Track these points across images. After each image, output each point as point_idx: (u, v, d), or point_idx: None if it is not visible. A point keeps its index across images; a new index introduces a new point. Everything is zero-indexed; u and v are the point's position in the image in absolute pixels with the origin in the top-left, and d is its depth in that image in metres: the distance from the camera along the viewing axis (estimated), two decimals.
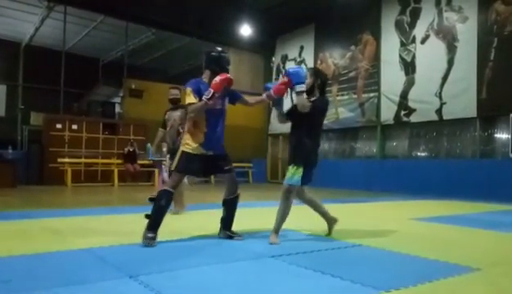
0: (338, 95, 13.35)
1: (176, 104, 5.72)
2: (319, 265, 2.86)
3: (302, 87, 3.61)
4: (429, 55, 10.79)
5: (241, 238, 3.86)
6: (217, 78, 3.52)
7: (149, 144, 6.66)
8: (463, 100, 9.95)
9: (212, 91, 3.48)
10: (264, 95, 3.87)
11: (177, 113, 5.62)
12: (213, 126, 3.70)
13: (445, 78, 10.36)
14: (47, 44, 15.81)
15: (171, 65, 18.86)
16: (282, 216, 3.72)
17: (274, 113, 14.27)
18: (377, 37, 12.20)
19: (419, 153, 11.40)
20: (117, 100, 15.40)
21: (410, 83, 11.24)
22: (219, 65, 3.73)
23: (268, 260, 3.05)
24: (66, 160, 11.77)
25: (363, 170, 12.21)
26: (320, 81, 3.83)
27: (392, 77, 11.68)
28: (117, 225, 4.63)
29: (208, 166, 3.75)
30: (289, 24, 14.64)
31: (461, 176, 9.55)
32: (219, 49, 3.90)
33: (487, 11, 9.65)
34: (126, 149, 12.11)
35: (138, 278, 2.48)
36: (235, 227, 3.96)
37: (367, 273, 2.75)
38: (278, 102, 3.91)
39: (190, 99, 3.59)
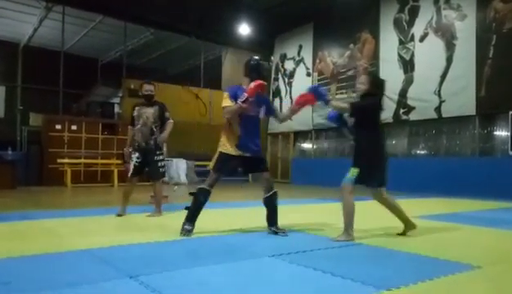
0: (337, 94, 13.34)
1: (150, 100, 5.39)
2: (319, 264, 2.85)
3: (329, 97, 3.92)
4: (428, 53, 10.78)
5: (285, 234, 4.00)
6: (252, 84, 3.80)
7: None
8: (462, 98, 9.95)
9: (246, 95, 3.76)
10: (290, 108, 4.21)
11: (150, 111, 5.33)
12: (247, 130, 3.98)
13: (444, 76, 10.36)
14: (46, 44, 15.79)
15: (170, 65, 18.85)
16: (344, 214, 3.84)
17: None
18: (376, 35, 12.19)
19: (418, 151, 11.40)
20: (116, 100, 15.40)
21: (408, 81, 11.24)
22: (258, 73, 3.99)
23: (268, 259, 3.05)
24: (66, 161, 11.76)
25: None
26: (376, 87, 3.96)
27: (390, 76, 11.62)
28: (117, 226, 4.62)
29: (244, 166, 4.09)
30: (288, 24, 14.63)
31: (461, 174, 9.55)
32: (257, 58, 4.23)
33: (486, 9, 9.65)
34: (125, 150, 12.09)
35: (138, 278, 2.47)
36: (225, 225, 3.97)
37: (368, 271, 2.75)
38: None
39: (226, 102, 3.92)
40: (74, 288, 2.30)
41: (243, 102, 3.76)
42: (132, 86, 13.68)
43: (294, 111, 4.15)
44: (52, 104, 13.74)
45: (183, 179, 13.20)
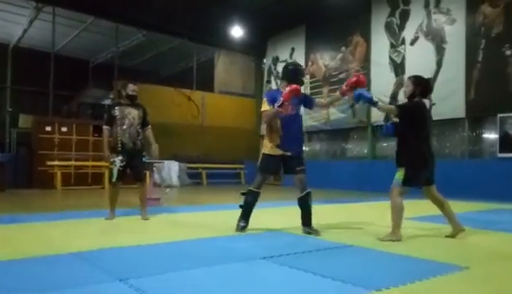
0: (329, 97, 13.38)
1: (134, 100, 5.21)
2: (310, 266, 2.86)
3: (374, 98, 4.06)
4: (418, 56, 10.88)
5: (318, 234, 4.11)
6: (287, 89, 4.00)
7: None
8: (452, 101, 10.05)
9: (282, 99, 3.95)
10: (338, 93, 4.35)
11: (135, 112, 5.15)
12: (287, 129, 4.15)
13: (434, 80, 10.45)
14: (36, 46, 15.66)
15: (162, 67, 18.81)
16: (392, 214, 3.97)
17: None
18: (367, 38, 12.28)
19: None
20: (107, 102, 15.32)
21: (399, 84, 11.31)
22: (295, 77, 4.24)
23: (260, 261, 3.06)
24: (56, 163, 11.66)
25: (354, 170, 12.26)
26: (420, 87, 4.06)
27: (382, 79, 11.76)
28: (107, 228, 4.59)
29: (285, 165, 4.23)
30: (280, 26, 14.68)
31: (450, 176, 9.60)
32: (295, 63, 4.52)
33: (475, 14, 9.76)
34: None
35: (128, 281, 2.46)
36: (218, 227, 3.96)
37: (358, 273, 2.77)
38: (358, 98, 4.11)
39: (265, 106, 4.17)
40: (63, 291, 2.28)
41: (279, 106, 3.97)
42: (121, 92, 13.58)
43: (341, 95, 4.33)
44: (42, 105, 13.64)
45: (175, 181, 13.19)
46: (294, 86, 4.03)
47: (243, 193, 4.33)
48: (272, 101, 4.09)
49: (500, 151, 9.19)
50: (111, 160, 5.09)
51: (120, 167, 5.07)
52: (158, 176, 12.51)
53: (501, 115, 9.15)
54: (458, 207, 7.36)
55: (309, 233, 4.16)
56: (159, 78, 17.79)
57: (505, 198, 8.46)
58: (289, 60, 15.02)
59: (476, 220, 5.61)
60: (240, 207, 4.33)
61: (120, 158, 5.06)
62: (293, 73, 4.29)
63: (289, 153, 4.16)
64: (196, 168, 14.44)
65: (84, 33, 15.08)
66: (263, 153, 4.25)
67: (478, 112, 9.73)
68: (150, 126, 5.38)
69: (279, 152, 4.17)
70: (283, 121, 4.16)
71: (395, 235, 3.91)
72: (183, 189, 12.11)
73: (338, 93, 4.36)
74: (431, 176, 4.11)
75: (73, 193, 10.06)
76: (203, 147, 14.68)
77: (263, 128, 4.22)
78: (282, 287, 2.46)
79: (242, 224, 4.26)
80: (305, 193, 4.20)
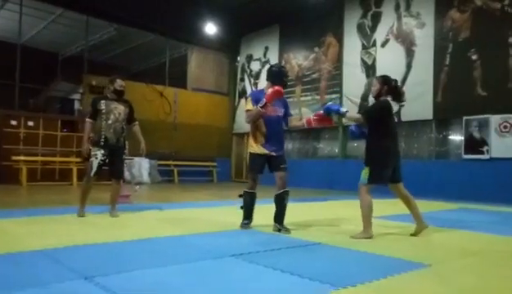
0: (301, 96, 13.53)
1: (121, 96, 5.18)
2: (279, 264, 2.89)
3: (342, 109, 4.23)
4: (389, 58, 11.12)
5: (288, 232, 4.20)
6: (269, 90, 4.16)
7: None
8: (420, 103, 10.32)
9: (264, 100, 4.12)
10: (304, 121, 4.54)
11: (121, 107, 5.11)
12: (271, 130, 4.32)
13: (403, 81, 10.70)
14: (2, 36, 15.05)
15: (134, 62, 18.48)
16: (362, 212, 4.08)
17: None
18: (339, 39, 12.45)
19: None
20: (76, 96, 14.93)
21: (370, 85, 11.52)
22: (279, 78, 4.37)
23: (228, 259, 3.06)
24: (21, 158, 11.27)
25: (326, 169, 12.43)
26: (387, 87, 4.17)
27: (353, 80, 11.95)
28: (73, 226, 4.47)
29: (270, 164, 4.37)
30: (255, 24, 14.69)
31: (418, 176, 9.88)
32: (279, 65, 4.72)
33: (444, 18, 10.06)
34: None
35: (94, 279, 2.41)
36: (187, 225, 3.94)
37: (325, 270, 2.81)
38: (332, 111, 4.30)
39: (249, 106, 4.32)
40: (26, 290, 2.22)
41: (262, 107, 4.14)
42: (94, 83, 13.31)
43: (306, 124, 4.52)
44: (8, 98, 13.13)
45: (146, 178, 12.97)
46: (277, 88, 4.16)
47: (240, 195, 4.51)
48: (256, 101, 4.22)
49: (465, 153, 9.51)
50: (93, 153, 4.96)
51: (101, 160, 4.96)
52: (128, 173, 12.28)
53: (466, 118, 9.47)
54: (425, 206, 7.57)
55: (279, 230, 4.24)
56: (130, 74, 17.46)
57: (469, 198, 8.78)
58: (263, 59, 15.09)
59: (441, 218, 5.79)
60: (241, 208, 4.48)
61: (102, 152, 4.95)
62: (277, 75, 4.41)
63: (273, 153, 4.33)
64: (168, 165, 14.28)
65: (53, 24, 14.63)
66: (250, 153, 4.41)
67: (445, 114, 10.03)
68: (137, 123, 5.31)
69: (264, 151, 4.32)
70: (267, 121, 4.31)
71: (366, 233, 4.03)
72: (154, 187, 11.94)
73: (304, 122, 4.55)
74: (397, 174, 4.19)
75: (39, 190, 9.76)
76: (175, 144, 14.53)
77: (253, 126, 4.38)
78: (250, 285, 2.46)
79: (246, 221, 4.44)
80: (283, 191, 4.33)
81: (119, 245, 3.48)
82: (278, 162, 4.35)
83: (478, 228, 5.01)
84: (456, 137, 10.13)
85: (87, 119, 5.07)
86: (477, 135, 9.34)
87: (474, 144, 9.34)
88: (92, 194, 5.24)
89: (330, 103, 4.37)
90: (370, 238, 3.99)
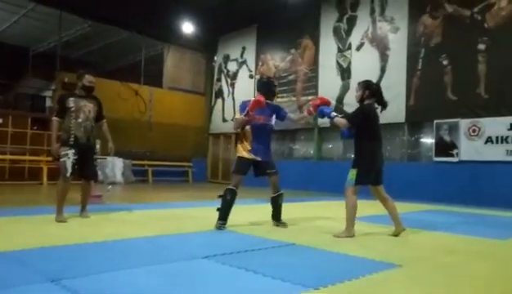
0: (278, 97, 13.50)
1: (91, 93, 4.94)
2: (251, 265, 2.88)
3: (332, 113, 4.45)
4: (364, 61, 11.29)
5: (285, 226, 4.69)
6: (251, 100, 4.46)
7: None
8: (393, 106, 10.45)
9: (247, 110, 4.44)
10: (305, 112, 4.81)
11: (91, 105, 4.87)
12: (258, 137, 4.62)
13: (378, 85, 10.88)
14: None
15: (108, 60, 18.13)
16: (347, 211, 4.20)
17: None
18: (316, 42, 12.56)
19: (353, 155, 11.88)
20: (48, 93, 14.54)
21: (345, 88, 11.69)
22: (268, 88, 4.73)
23: (201, 261, 3.03)
24: None
25: (301, 170, 12.50)
26: (369, 92, 4.30)
27: (329, 82, 12.08)
28: (41, 227, 4.34)
29: (256, 168, 4.68)
30: (232, 25, 14.65)
31: (391, 178, 9.95)
32: (268, 77, 5.06)
33: (416, 23, 10.28)
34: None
35: (61, 281, 2.35)
36: (160, 226, 3.88)
37: (298, 271, 2.82)
38: (322, 114, 4.59)
39: (237, 115, 4.65)
40: None
41: (245, 115, 4.48)
42: (67, 80, 12.99)
43: (305, 116, 4.99)
44: None
45: (119, 178, 12.77)
46: (257, 98, 4.46)
47: (220, 196, 4.59)
48: (243, 111, 4.55)
49: (436, 155, 9.75)
50: (64, 152, 4.68)
51: (74, 159, 4.70)
52: (101, 173, 12.06)
53: (437, 121, 9.71)
54: (397, 207, 7.73)
55: (278, 225, 4.71)
56: (104, 71, 17.11)
57: (440, 199, 9.01)
58: (240, 59, 15.08)
59: (412, 220, 5.89)
60: (218, 210, 4.54)
61: (73, 151, 4.70)
62: (265, 85, 4.77)
63: (259, 158, 4.60)
64: (142, 165, 14.09)
65: (24, 19, 14.19)
66: (237, 156, 4.65)
67: (417, 117, 10.26)
68: (105, 120, 5.10)
69: (250, 156, 4.59)
70: (254, 129, 4.61)
71: (348, 232, 4.16)
72: (127, 187, 11.77)
73: (305, 113, 4.88)
74: (379, 176, 4.33)
75: (7, 189, 9.46)
76: (150, 144, 14.34)
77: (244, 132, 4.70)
78: (221, 286, 2.45)
79: (221, 222, 4.48)
80: (277, 194, 4.74)
81: (89, 246, 3.40)
82: (264, 167, 4.64)
83: (448, 229, 5.14)
84: (428, 140, 10.37)
85: (54, 118, 4.83)
86: (447, 138, 9.59)
87: (445, 147, 9.59)
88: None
89: (323, 107, 4.60)
90: (352, 236, 4.14)
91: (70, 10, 13.22)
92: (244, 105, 4.63)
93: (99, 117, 5.03)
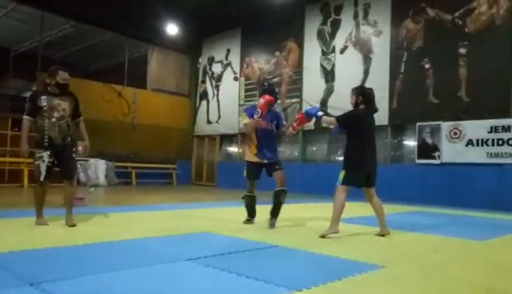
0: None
1: (65, 90, 4.62)
2: (235, 267, 2.87)
3: (319, 113, 4.61)
4: (347, 64, 11.39)
5: (272, 227, 4.78)
6: (261, 100, 4.73)
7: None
8: None
9: (259, 111, 4.72)
10: (290, 129, 5.00)
11: (65, 102, 4.56)
12: (263, 140, 4.87)
13: None
14: None
15: (91, 61, 17.95)
16: (334, 208, 4.30)
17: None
18: (300, 44, 12.63)
19: (337, 158, 11.96)
20: (29, 94, 14.29)
21: (329, 91, 11.77)
22: (271, 92, 4.95)
23: (184, 263, 3.01)
24: None
25: (286, 173, 12.50)
26: (362, 98, 4.41)
27: (313, 85, 12.15)
28: (21, 230, 4.24)
29: (267, 170, 4.92)
30: (217, 27, 14.63)
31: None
32: (270, 81, 5.13)
33: (399, 27, 10.43)
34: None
35: (40, 285, 2.30)
36: (142, 228, 3.84)
37: (281, 273, 2.82)
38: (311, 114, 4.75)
39: (245, 120, 4.91)
40: None
41: (258, 117, 4.73)
42: (48, 81, 12.78)
43: (292, 132, 5.07)
44: None
45: (102, 180, 12.62)
46: (267, 97, 4.73)
47: (243, 198, 5.13)
48: (251, 115, 4.81)
49: (419, 157, 9.89)
50: (38, 155, 4.43)
51: (49, 162, 4.44)
52: (83, 175, 11.91)
53: (420, 124, 9.86)
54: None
55: (273, 225, 4.82)
56: (87, 72, 16.95)
57: (422, 201, 9.14)
58: (225, 61, 15.06)
59: (395, 221, 5.96)
60: (246, 207, 5.12)
61: (48, 153, 4.43)
62: (269, 89, 5.03)
63: (265, 161, 4.87)
64: (126, 167, 13.94)
65: (5, 19, 13.95)
66: (246, 161, 4.99)
67: (400, 120, 10.39)
68: (82, 118, 4.82)
69: (256, 159, 4.89)
70: (259, 134, 4.88)
71: (333, 228, 4.25)
72: (111, 189, 11.63)
73: (290, 130, 5.02)
74: (370, 179, 4.43)
75: None
76: (133, 145, 14.20)
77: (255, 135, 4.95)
78: (204, 289, 2.43)
79: (248, 218, 5.11)
80: (280, 189, 4.83)
81: (70, 249, 3.35)
82: (272, 166, 4.89)
83: (430, 230, 5.22)
84: (410, 142, 10.51)
85: (25, 116, 4.47)
86: (429, 140, 9.74)
87: (427, 150, 9.73)
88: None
89: (308, 107, 4.88)
90: (336, 232, 4.25)
91: (52, 10, 13.02)
92: (250, 110, 4.94)
93: (75, 114, 4.72)
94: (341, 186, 4.32)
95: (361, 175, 4.36)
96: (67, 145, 4.60)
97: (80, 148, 4.90)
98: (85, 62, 17.86)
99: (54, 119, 4.46)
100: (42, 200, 4.55)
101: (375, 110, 4.54)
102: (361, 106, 4.43)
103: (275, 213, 4.87)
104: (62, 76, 4.55)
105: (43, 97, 4.49)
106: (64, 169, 4.62)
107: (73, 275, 2.55)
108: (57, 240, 3.67)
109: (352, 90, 4.56)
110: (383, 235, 4.46)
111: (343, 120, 4.45)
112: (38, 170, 4.43)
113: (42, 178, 4.45)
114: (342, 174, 4.34)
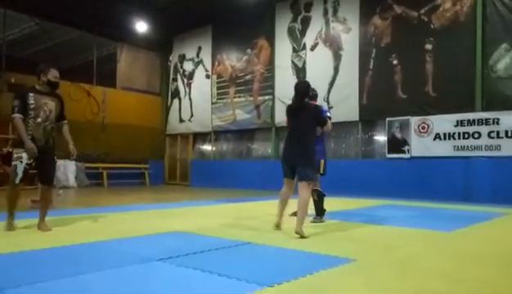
0: (235, 97, 13.57)
1: (55, 89, 4.49)
2: (207, 265, 2.86)
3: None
4: (318, 61, 11.50)
5: (321, 221, 5.09)
6: (325, 107, 5.12)
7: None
8: (347, 105, 10.79)
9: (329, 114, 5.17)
10: None
11: (53, 103, 4.41)
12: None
13: (332, 84, 11.14)
14: None
15: (59, 59, 17.35)
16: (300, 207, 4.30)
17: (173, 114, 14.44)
18: (271, 42, 12.66)
19: None
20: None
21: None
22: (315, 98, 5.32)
23: (155, 263, 2.97)
24: None
25: (259, 170, 12.56)
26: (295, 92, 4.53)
27: (285, 82, 12.18)
28: None
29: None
30: (187, 24, 14.46)
31: (346, 175, 10.33)
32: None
33: (368, 24, 10.60)
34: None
35: (4, 292, 2.22)
36: (112, 229, 3.77)
37: (253, 270, 2.83)
38: None
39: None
40: None
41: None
42: (13, 81, 12.36)
43: None
44: None
45: (72, 182, 12.32)
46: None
47: (318, 196, 5.18)
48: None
49: (389, 152, 10.10)
50: (17, 155, 4.21)
51: (27, 164, 4.23)
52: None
53: (389, 119, 10.06)
54: (351, 203, 7.94)
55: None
56: None
57: (393, 194, 9.34)
58: (196, 59, 14.94)
59: (366, 215, 6.08)
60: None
61: (26, 156, 4.21)
62: (315, 96, 5.49)
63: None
64: (96, 168, 13.65)
65: None
66: (324, 159, 5.22)
67: (370, 116, 10.58)
68: (66, 122, 4.64)
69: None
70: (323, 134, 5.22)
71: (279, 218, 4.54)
72: (81, 191, 11.38)
73: None
74: (292, 171, 4.42)
75: None
76: (104, 146, 13.90)
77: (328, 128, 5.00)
78: (177, 288, 2.41)
79: (320, 216, 5.25)
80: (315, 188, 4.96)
81: (37, 253, 3.25)
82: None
83: (400, 222, 5.34)
84: (380, 137, 10.71)
85: (17, 114, 4.19)
86: (398, 135, 9.96)
87: (397, 144, 9.95)
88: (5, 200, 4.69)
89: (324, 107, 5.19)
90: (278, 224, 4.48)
91: (15, 7, 12.57)
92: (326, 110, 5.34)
93: (60, 117, 4.56)
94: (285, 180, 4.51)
95: (285, 165, 4.47)
96: (49, 148, 4.43)
97: (71, 147, 4.60)
98: (52, 61, 17.07)
99: (39, 119, 4.29)
100: (14, 202, 4.35)
101: (297, 103, 4.50)
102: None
103: (316, 209, 5.21)
104: (53, 73, 4.42)
105: (31, 95, 4.30)
106: (43, 172, 4.44)
107: (39, 279, 2.48)
108: (23, 245, 3.55)
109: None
110: (279, 225, 4.51)
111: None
112: (15, 171, 4.23)
113: (17, 180, 4.25)
114: None
